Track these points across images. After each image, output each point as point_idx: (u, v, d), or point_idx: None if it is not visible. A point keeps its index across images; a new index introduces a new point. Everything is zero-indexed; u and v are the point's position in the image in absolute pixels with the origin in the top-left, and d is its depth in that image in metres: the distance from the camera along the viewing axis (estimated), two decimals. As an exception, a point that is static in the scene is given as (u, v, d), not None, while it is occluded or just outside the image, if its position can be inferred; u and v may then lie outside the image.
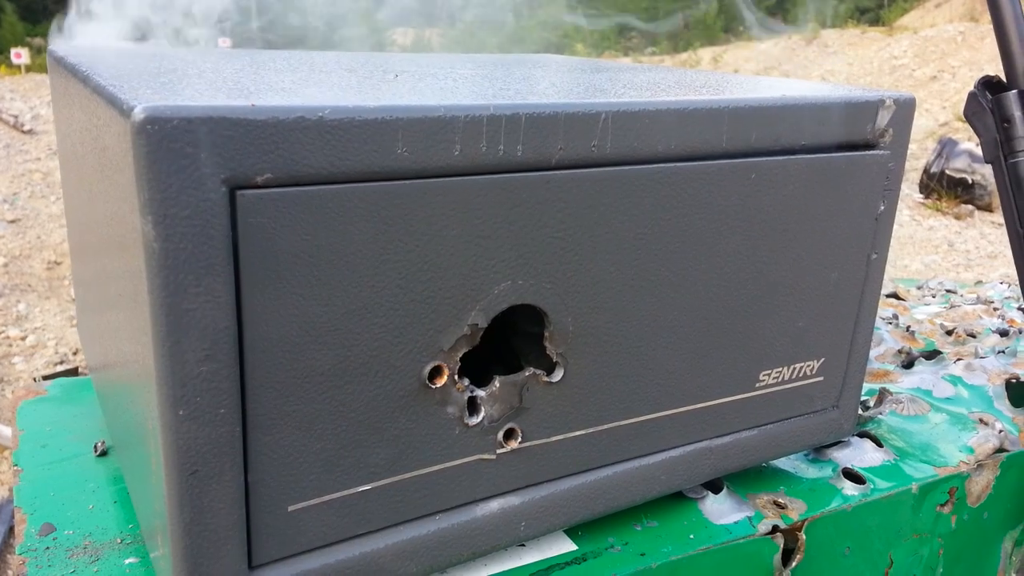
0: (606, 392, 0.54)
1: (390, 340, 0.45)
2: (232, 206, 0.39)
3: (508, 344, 0.55)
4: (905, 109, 0.62)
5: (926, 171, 6.63)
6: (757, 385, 0.62)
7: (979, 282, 1.41)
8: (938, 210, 6.26)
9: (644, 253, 0.52)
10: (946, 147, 6.59)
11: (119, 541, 0.56)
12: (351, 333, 0.44)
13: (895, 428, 0.78)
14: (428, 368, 0.47)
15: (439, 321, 0.47)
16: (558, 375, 0.52)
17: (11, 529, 2.50)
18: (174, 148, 0.37)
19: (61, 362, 3.31)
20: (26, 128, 5.69)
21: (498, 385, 0.50)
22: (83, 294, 0.73)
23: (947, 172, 6.42)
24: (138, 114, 0.36)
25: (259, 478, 0.43)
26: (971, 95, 0.81)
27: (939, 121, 9.27)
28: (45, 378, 0.86)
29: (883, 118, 0.60)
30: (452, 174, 0.45)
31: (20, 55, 13.50)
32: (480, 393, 0.50)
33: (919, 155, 7.82)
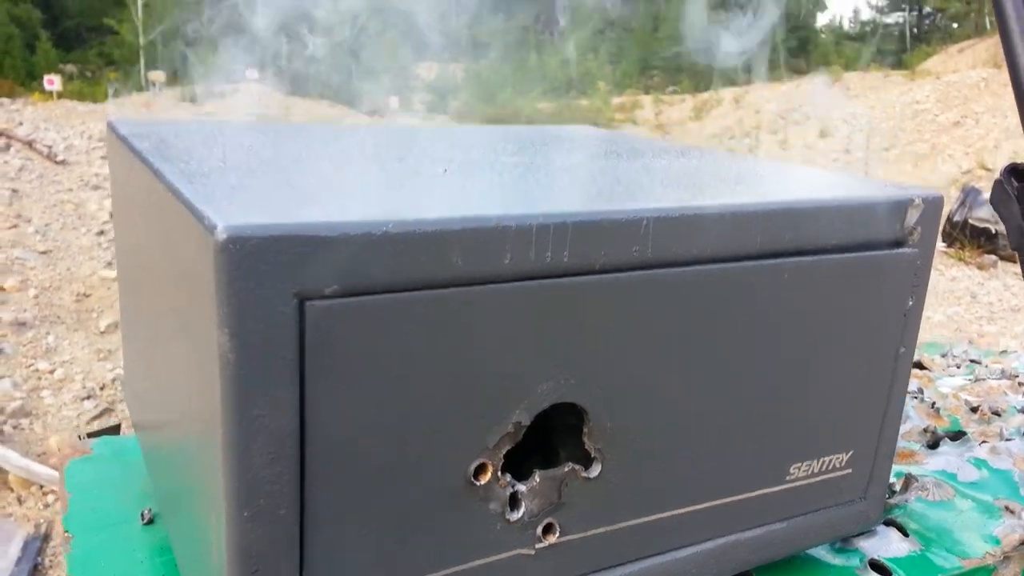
0: (642, 486, 0.56)
1: (440, 439, 0.47)
2: (301, 317, 0.41)
3: (545, 431, 0.57)
4: (933, 207, 0.64)
5: (949, 220, 6.62)
6: (787, 478, 0.63)
7: (1004, 351, 1.41)
8: (961, 260, 6.24)
9: (681, 351, 0.54)
10: (969, 196, 6.58)
11: (166, 614, 0.58)
12: (404, 433, 0.46)
13: (920, 515, 0.79)
14: (474, 465, 0.49)
15: (486, 420, 0.49)
16: (596, 470, 0.54)
17: (35, 567, 2.52)
18: (253, 266, 0.39)
19: (88, 396, 3.35)
20: (59, 159, 5.81)
21: (538, 480, 0.52)
22: (134, 356, 0.76)
23: (970, 221, 6.40)
24: (220, 233, 0.39)
25: (313, 573, 0.45)
26: (997, 182, 0.83)
27: (962, 168, 9.27)
28: (89, 435, 0.89)
29: (912, 217, 0.62)
30: (502, 280, 0.47)
31: (53, 81, 13.82)
32: (521, 488, 0.52)
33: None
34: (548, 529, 0.53)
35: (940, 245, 6.56)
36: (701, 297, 0.54)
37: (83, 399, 3.31)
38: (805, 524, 0.65)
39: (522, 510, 0.51)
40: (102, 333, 3.85)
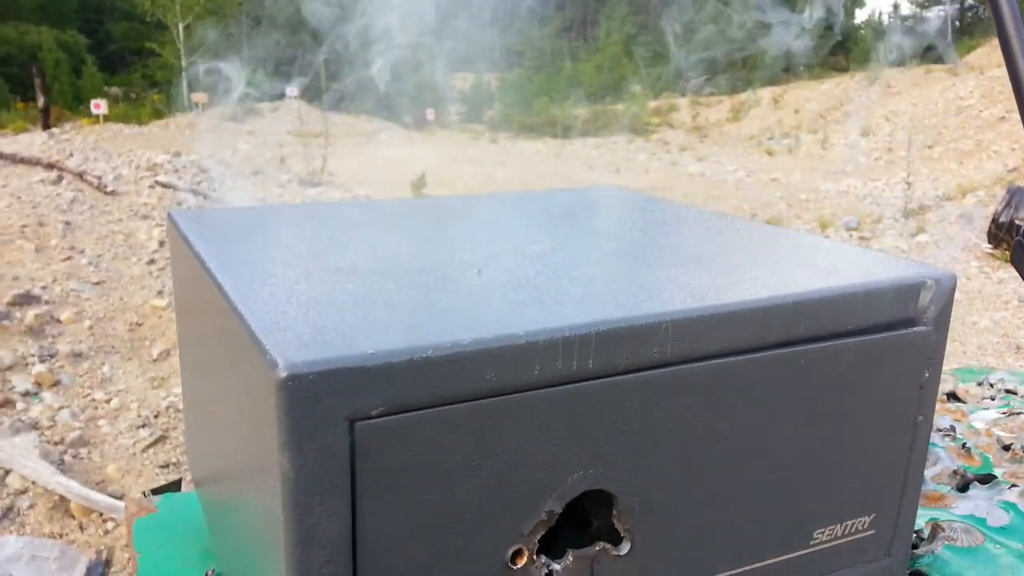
0: (671, 560, 0.60)
1: (479, 531, 0.52)
2: (352, 435, 0.46)
3: (577, 503, 0.61)
4: (945, 285, 0.67)
5: (994, 220, 6.49)
6: (811, 543, 0.66)
7: (1040, 380, 1.41)
8: (1008, 261, 6.12)
9: (704, 438, 0.58)
10: (1015, 196, 6.44)
11: None
12: (446, 529, 0.51)
13: (947, 563, 0.81)
14: (511, 552, 0.54)
15: (520, 511, 0.53)
16: (625, 548, 0.58)
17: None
18: (309, 398, 0.44)
19: (143, 425, 3.48)
20: (109, 189, 6.01)
21: (571, 559, 0.56)
22: (194, 419, 0.82)
23: (1016, 222, 6.26)
24: (281, 371, 0.44)
25: (367, 659, 0.50)
26: (1017, 243, 0.85)
27: (1008, 166, 9.09)
28: (153, 492, 0.95)
29: (925, 297, 0.66)
30: (531, 388, 0.51)
31: (99, 106, 14.21)
32: (556, 567, 0.56)
33: (987, 202, 7.67)
34: (582, 608, 0.57)
35: (986, 246, 6.45)
36: (721, 388, 0.58)
37: (138, 427, 3.44)
38: (830, 587, 0.68)
39: (557, 592, 0.56)
40: (154, 361, 3.99)
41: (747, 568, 0.64)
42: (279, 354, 0.45)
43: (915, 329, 0.66)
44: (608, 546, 0.58)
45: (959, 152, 11.48)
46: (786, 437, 0.62)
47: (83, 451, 3.24)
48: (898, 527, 0.71)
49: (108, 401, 3.60)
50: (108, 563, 2.73)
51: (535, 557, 0.55)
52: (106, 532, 2.88)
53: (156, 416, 3.52)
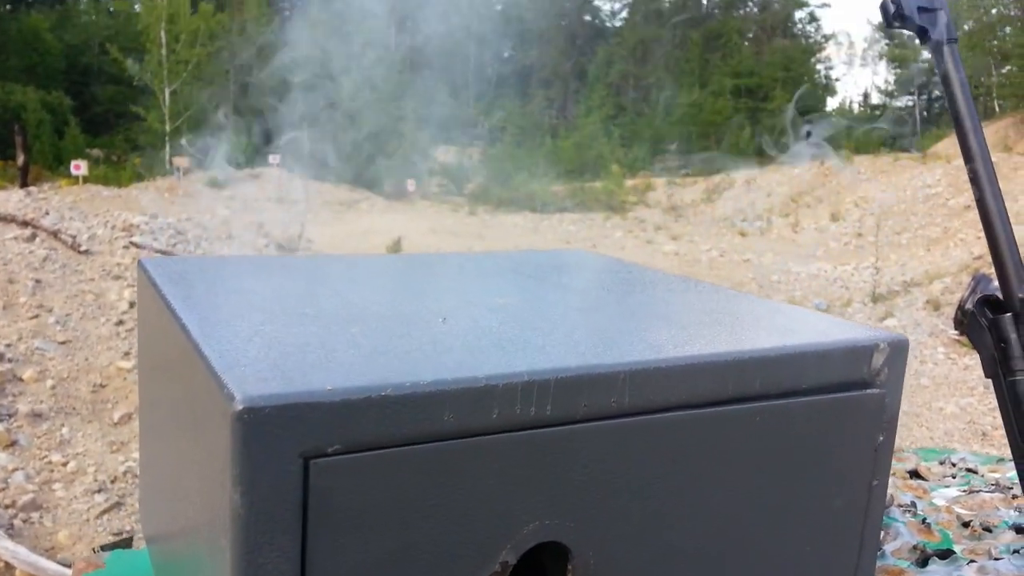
0: (624, 617, 0.59)
1: (431, 578, 0.51)
2: (305, 474, 0.46)
3: (536, 558, 0.61)
4: (898, 349, 0.68)
5: (960, 307, 6.61)
6: (766, 604, 0.66)
7: (1001, 459, 1.43)
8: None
9: (659, 491, 0.59)
10: (980, 283, 6.58)
11: None
12: (396, 572, 0.50)
13: (906, 634, 0.81)
14: (463, 602, 0.53)
15: (475, 559, 0.53)
16: (580, 603, 0.57)
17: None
18: (264, 431, 0.44)
19: (100, 490, 3.38)
20: (82, 249, 5.98)
21: (525, 613, 0.56)
22: (150, 477, 0.81)
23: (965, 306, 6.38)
24: (238, 404, 0.44)
25: None
26: (971, 313, 0.88)
27: (974, 254, 9.31)
28: (103, 548, 0.93)
29: (878, 360, 0.67)
30: (490, 432, 0.52)
31: (79, 167, 14.21)
32: (509, 620, 0.55)
33: (953, 288, 7.82)
34: (534, 663, 0.56)
35: (952, 332, 6.55)
36: (677, 440, 0.59)
37: (94, 492, 3.34)
38: (785, 652, 0.67)
39: (509, 645, 0.55)
40: (115, 424, 3.91)
41: (703, 628, 0.63)
42: (236, 388, 0.45)
43: (869, 391, 0.67)
44: (563, 601, 0.57)
45: (927, 239, 11.76)
46: (741, 494, 0.62)
47: (35, 515, 3.14)
48: (855, 592, 0.71)
49: (65, 464, 3.51)
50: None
51: (488, 609, 0.54)
52: (50, 601, 2.77)
53: (113, 481, 3.42)
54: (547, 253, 1.04)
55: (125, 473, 3.49)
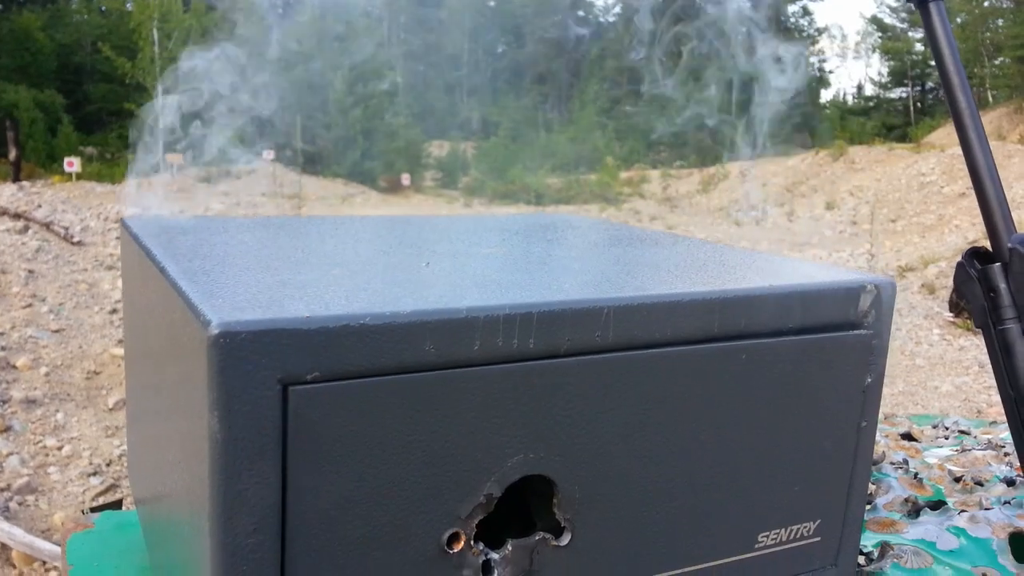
0: (611, 554, 0.59)
1: (414, 510, 0.51)
2: (284, 400, 0.46)
3: (521, 503, 0.60)
4: (886, 292, 0.68)
5: (955, 289, 6.63)
6: (756, 546, 0.66)
7: (994, 422, 1.43)
8: (968, 329, 6.24)
9: (645, 427, 0.58)
10: (974, 266, 6.60)
11: None
12: (380, 505, 0.50)
13: (897, 583, 0.81)
14: (447, 535, 0.53)
15: (458, 492, 0.52)
16: (566, 539, 0.57)
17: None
18: (241, 356, 0.44)
19: (95, 472, 3.38)
20: (75, 240, 5.96)
21: (510, 549, 0.55)
22: (136, 435, 0.80)
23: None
24: (213, 329, 0.44)
25: (294, 638, 0.48)
26: (959, 264, 0.87)
27: (968, 239, 9.33)
28: (92, 510, 0.92)
29: (865, 301, 0.67)
30: (472, 365, 0.51)
31: (72, 164, 14.16)
32: (494, 556, 0.55)
33: (948, 272, 7.84)
34: (520, 598, 0.56)
35: (948, 315, 6.57)
36: (662, 377, 0.58)
37: (89, 475, 3.33)
38: (774, 593, 0.67)
39: (494, 579, 0.55)
40: (110, 410, 3.90)
41: (690, 569, 0.63)
42: (213, 314, 0.45)
43: (856, 332, 0.67)
44: (548, 536, 0.57)
45: (921, 226, 11.78)
46: (729, 433, 0.62)
47: (30, 498, 3.13)
48: (844, 536, 0.71)
49: (60, 448, 3.50)
50: (49, 615, 2.61)
51: (472, 543, 0.54)
52: (48, 582, 2.77)
53: (108, 464, 3.42)
54: (535, 215, 1.04)
55: (120, 456, 3.48)
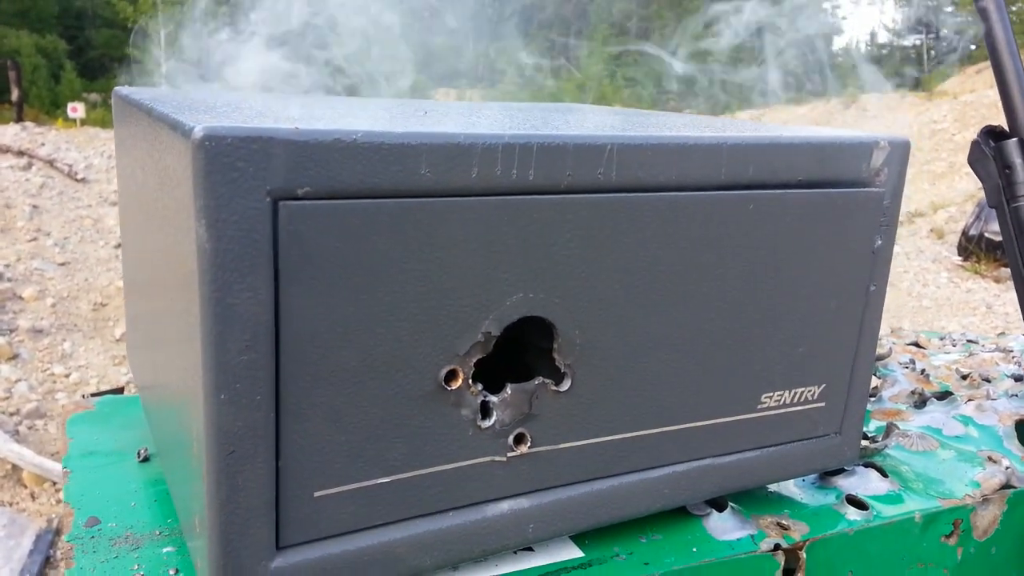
0: (612, 404, 0.58)
1: (410, 342, 0.50)
2: (275, 215, 0.44)
3: (522, 360, 0.59)
4: (900, 150, 0.66)
5: (964, 233, 6.59)
6: (759, 407, 0.65)
7: (1002, 333, 1.42)
8: (977, 272, 6.20)
9: (648, 274, 0.57)
10: (984, 210, 6.55)
11: (158, 533, 0.61)
12: (375, 334, 0.49)
13: (902, 461, 0.80)
14: (445, 371, 0.51)
15: (456, 327, 0.51)
16: (566, 385, 0.56)
17: (47, 559, 2.56)
18: (227, 162, 0.42)
19: (103, 398, 3.40)
20: (79, 177, 5.93)
21: (510, 392, 0.54)
22: (134, 325, 0.79)
23: (986, 235, 6.37)
24: (197, 133, 0.42)
25: (288, 463, 0.48)
26: (974, 143, 0.85)
27: (979, 184, 9.22)
28: (93, 395, 0.92)
29: (878, 158, 0.65)
30: (469, 194, 0.50)
31: (76, 109, 14.05)
32: (492, 398, 0.54)
33: (958, 218, 7.77)
34: (520, 439, 0.55)
35: (956, 258, 6.52)
36: (666, 222, 0.56)
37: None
38: (779, 455, 0.67)
39: (493, 418, 0.54)
40: (117, 340, 3.92)
41: (692, 425, 0.62)
42: (197, 122, 0.43)
43: (867, 189, 0.65)
44: (548, 382, 0.56)
45: (932, 173, 11.65)
46: (733, 287, 0.61)
47: (39, 423, 3.16)
48: (849, 403, 0.70)
49: (67, 376, 3.53)
50: (59, 531, 2.65)
51: (470, 382, 0.53)
52: (58, 502, 2.81)
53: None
54: (548, 104, 1.01)
55: (128, 384, 3.51)
